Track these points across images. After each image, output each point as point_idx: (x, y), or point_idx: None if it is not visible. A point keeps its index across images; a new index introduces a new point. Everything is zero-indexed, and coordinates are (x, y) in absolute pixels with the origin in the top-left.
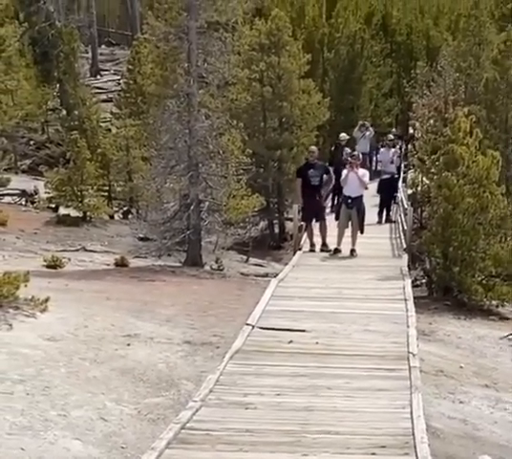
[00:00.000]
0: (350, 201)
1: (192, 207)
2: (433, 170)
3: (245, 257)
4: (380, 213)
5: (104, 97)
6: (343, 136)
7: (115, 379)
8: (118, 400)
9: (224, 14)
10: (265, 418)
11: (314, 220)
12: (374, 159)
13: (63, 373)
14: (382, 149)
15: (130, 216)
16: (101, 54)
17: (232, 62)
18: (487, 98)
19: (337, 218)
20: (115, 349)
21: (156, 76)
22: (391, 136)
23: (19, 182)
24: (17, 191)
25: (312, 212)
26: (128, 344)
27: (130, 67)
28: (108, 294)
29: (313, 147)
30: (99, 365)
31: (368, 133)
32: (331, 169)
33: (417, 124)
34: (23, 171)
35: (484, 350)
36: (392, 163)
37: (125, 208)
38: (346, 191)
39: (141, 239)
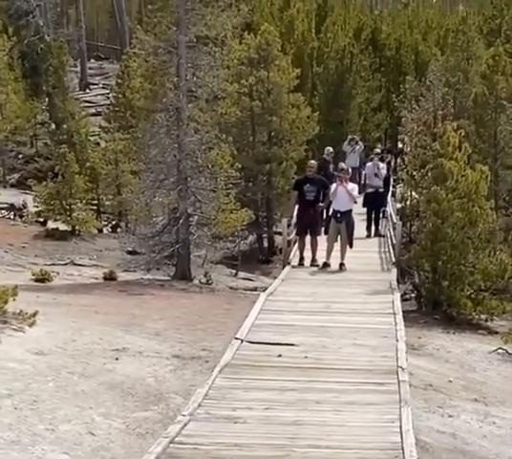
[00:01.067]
0: (339, 215)
1: (181, 221)
2: (422, 184)
3: (233, 271)
4: (369, 227)
5: (93, 110)
6: (327, 150)
7: (103, 393)
8: (107, 414)
9: (214, 29)
10: (253, 432)
11: (308, 233)
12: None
13: (51, 387)
14: (369, 163)
15: (119, 230)
16: (90, 68)
17: (221, 76)
18: (476, 112)
19: (326, 232)
20: (103, 363)
21: (145, 90)
22: (378, 150)
23: (8, 196)
24: (6, 205)
25: (306, 226)
26: (116, 358)
27: (119, 81)
28: (96, 307)
29: (312, 161)
30: (88, 379)
31: (358, 147)
32: None
33: (406, 139)
34: (12, 185)
35: (473, 364)
36: (376, 176)
37: (114, 222)
38: (335, 205)
39: (130, 253)
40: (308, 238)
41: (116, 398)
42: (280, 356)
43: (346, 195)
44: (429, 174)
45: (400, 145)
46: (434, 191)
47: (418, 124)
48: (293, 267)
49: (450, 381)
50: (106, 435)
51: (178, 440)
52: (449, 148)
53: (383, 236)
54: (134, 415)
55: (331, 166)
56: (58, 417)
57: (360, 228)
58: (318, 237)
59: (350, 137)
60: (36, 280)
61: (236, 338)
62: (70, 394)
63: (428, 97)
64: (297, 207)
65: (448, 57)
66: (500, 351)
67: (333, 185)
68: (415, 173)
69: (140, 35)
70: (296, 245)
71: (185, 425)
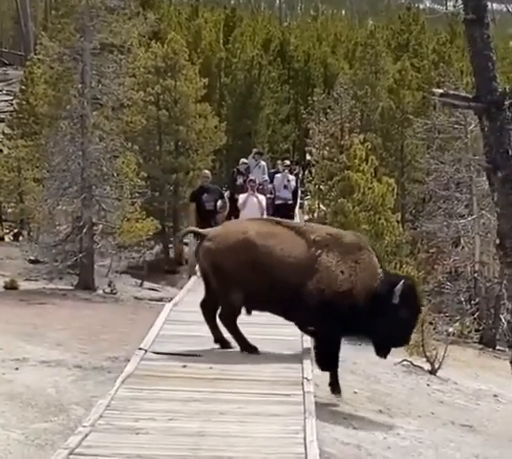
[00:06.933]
0: None
1: (85, 230)
2: (329, 197)
3: (139, 281)
4: None
5: None
6: (242, 161)
7: (2, 403)
8: (5, 425)
9: (119, 36)
10: (156, 443)
11: None
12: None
13: None
14: (278, 175)
15: (21, 238)
16: None
17: (127, 84)
18: (383, 126)
19: None
20: (2, 373)
21: (49, 96)
22: (287, 161)
23: None
24: None
25: None
26: (16, 368)
27: (23, 87)
28: None
29: (206, 171)
30: None
31: (262, 162)
32: (227, 194)
33: (314, 150)
34: None
35: (378, 376)
36: (285, 188)
37: (16, 230)
38: (243, 217)
39: (32, 262)
40: None
41: (15, 409)
42: (185, 366)
43: (256, 205)
44: (336, 186)
45: (308, 157)
46: (340, 203)
47: (326, 136)
48: (199, 277)
49: (355, 392)
50: (4, 446)
51: (78, 451)
52: (356, 161)
53: None
54: (33, 426)
55: (242, 178)
56: None
57: None
58: None
59: (254, 150)
60: None
61: (140, 349)
62: None
63: (336, 109)
64: (196, 218)
65: (356, 71)
66: (404, 363)
67: (242, 196)
68: (322, 185)
69: (45, 42)
70: None
71: (86, 436)
